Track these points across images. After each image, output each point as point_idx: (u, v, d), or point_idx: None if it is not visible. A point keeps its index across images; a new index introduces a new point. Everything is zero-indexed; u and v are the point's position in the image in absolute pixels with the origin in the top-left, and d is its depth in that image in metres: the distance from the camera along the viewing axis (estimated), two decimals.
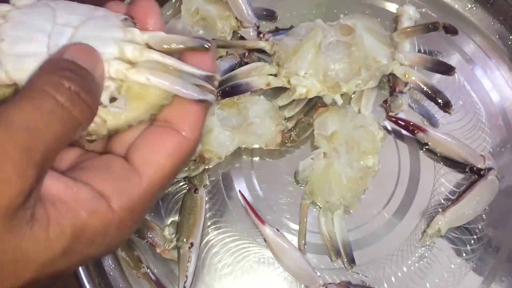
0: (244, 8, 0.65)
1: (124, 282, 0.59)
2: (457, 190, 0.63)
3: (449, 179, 0.63)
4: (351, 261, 0.58)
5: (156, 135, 0.35)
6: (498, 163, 0.62)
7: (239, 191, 0.62)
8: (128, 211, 0.33)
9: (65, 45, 0.34)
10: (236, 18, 0.67)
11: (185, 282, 0.57)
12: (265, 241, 0.59)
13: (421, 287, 0.58)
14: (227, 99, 0.62)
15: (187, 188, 0.62)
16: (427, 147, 0.64)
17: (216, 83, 0.36)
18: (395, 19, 0.70)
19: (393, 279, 0.59)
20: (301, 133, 0.63)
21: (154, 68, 0.35)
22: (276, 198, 0.62)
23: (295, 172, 0.62)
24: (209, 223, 0.61)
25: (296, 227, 0.61)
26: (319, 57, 0.60)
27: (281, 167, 0.64)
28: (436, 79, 0.67)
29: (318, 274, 0.57)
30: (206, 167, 0.61)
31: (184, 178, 0.62)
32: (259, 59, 0.66)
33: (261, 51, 0.66)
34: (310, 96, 0.61)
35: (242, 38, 0.68)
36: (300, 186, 0.62)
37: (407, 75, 0.63)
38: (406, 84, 0.64)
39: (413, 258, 0.60)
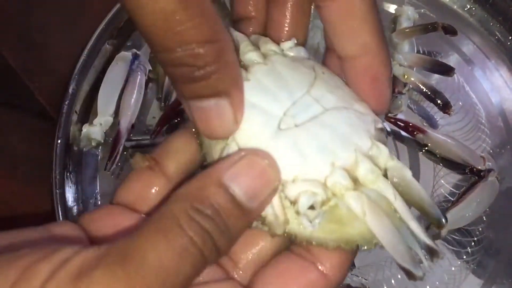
0: None
1: None
2: (457, 192, 0.62)
3: (449, 180, 0.63)
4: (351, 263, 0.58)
5: (292, 266, 0.31)
6: (498, 164, 0.62)
7: None
8: None
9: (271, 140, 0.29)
10: (232, 18, 0.66)
11: None
12: None
13: None
14: None
15: None
16: (426, 148, 0.63)
17: (437, 259, 0.29)
18: (394, 19, 0.70)
19: (393, 281, 0.58)
20: None
21: (378, 201, 0.29)
22: None
23: None
24: None
25: None
26: None
27: None
28: (435, 80, 0.67)
29: None
30: None
31: None
32: None
33: None
34: None
35: None
36: None
37: (406, 76, 0.62)
38: (405, 85, 0.64)
39: None
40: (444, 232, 0.58)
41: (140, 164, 0.34)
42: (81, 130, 0.63)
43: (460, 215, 0.59)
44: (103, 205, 0.34)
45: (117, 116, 0.64)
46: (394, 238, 0.28)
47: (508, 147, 0.65)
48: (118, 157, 0.61)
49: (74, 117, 0.63)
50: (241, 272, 0.32)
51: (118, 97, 0.65)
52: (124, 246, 0.25)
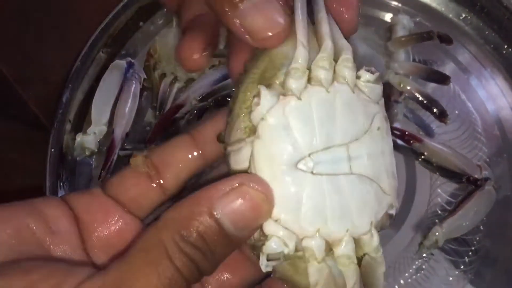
0: None
1: None
2: (454, 201, 0.62)
3: (446, 189, 0.62)
4: None
5: None
6: (495, 173, 0.62)
7: None
8: None
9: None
10: None
11: None
12: None
13: None
14: None
15: None
16: (423, 157, 0.63)
17: None
18: (390, 28, 0.70)
19: None
20: None
21: (336, 277, 0.29)
22: None
23: None
24: None
25: None
26: None
27: None
28: (431, 88, 0.67)
29: None
30: None
31: None
32: None
33: None
34: None
35: None
36: None
37: (402, 84, 0.62)
38: (401, 93, 0.63)
39: (410, 271, 0.59)
40: (441, 241, 0.58)
41: (140, 168, 0.34)
42: (75, 139, 0.63)
43: (457, 224, 0.58)
44: (93, 188, 0.35)
45: (111, 125, 0.63)
46: None
47: (505, 155, 0.65)
48: (112, 166, 0.61)
49: (68, 126, 0.63)
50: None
51: (112, 106, 0.64)
52: (118, 278, 0.27)
